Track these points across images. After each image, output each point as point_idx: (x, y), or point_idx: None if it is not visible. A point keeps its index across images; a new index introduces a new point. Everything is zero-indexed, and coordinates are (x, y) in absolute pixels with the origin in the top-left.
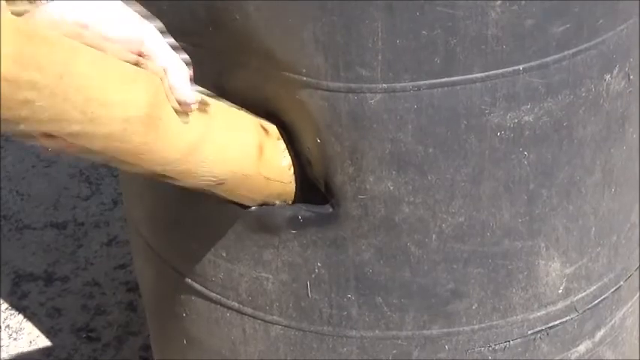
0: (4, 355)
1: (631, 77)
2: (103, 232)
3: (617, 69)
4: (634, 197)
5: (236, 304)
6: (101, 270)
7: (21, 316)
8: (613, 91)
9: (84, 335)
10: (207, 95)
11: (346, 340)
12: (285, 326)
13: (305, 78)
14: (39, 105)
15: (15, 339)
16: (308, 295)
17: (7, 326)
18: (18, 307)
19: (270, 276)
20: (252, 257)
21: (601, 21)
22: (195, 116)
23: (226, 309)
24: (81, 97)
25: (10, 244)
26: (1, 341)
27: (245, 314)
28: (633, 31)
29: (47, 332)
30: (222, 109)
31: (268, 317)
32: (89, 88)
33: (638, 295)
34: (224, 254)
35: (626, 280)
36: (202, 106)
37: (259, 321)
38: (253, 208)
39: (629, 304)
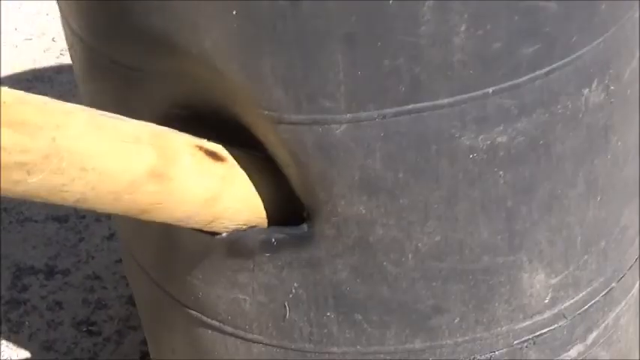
0: (5, 348)
1: (612, 88)
2: (105, 225)
3: (595, 82)
4: (623, 201)
5: (217, 323)
6: (102, 263)
7: (21, 310)
8: (592, 104)
9: (84, 329)
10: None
11: (328, 356)
12: (266, 344)
13: (266, 112)
14: (32, 182)
15: (15, 332)
16: (286, 315)
17: (8, 319)
18: (18, 300)
19: (248, 297)
20: (227, 280)
21: (575, 38)
22: (211, 170)
23: (207, 327)
24: (76, 167)
25: (11, 237)
26: (2, 334)
27: (226, 333)
28: (612, 42)
29: (48, 326)
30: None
31: (249, 336)
32: (84, 154)
33: (633, 292)
34: (200, 276)
35: (618, 281)
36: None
37: (240, 339)
38: (224, 234)
39: (623, 303)
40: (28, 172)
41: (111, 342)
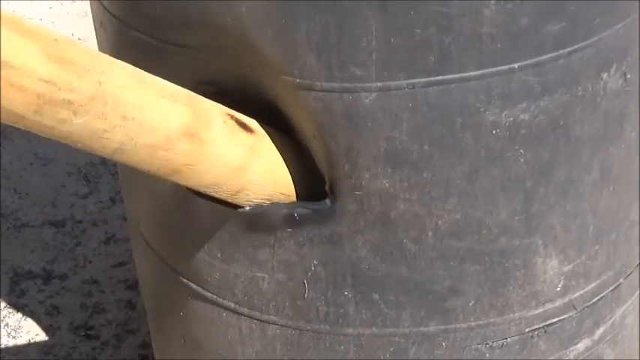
0: (4, 353)
1: (628, 76)
2: (102, 230)
3: (614, 67)
4: (633, 195)
5: (232, 305)
6: (99, 268)
7: (19, 315)
8: (610, 89)
9: (82, 333)
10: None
11: (343, 338)
12: (281, 326)
13: (298, 80)
14: (77, 124)
15: (14, 337)
16: (304, 293)
17: (6, 324)
18: (16, 305)
19: (266, 275)
20: (247, 257)
21: (598, 20)
22: (241, 140)
23: (222, 309)
24: (118, 114)
25: (8, 242)
26: (0, 339)
27: (241, 314)
28: (631, 29)
29: (46, 330)
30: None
31: (264, 317)
32: (127, 103)
33: (638, 292)
34: (219, 255)
35: (625, 277)
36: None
37: (256, 321)
38: (247, 208)
39: (629, 302)
40: (74, 112)
41: (109, 346)
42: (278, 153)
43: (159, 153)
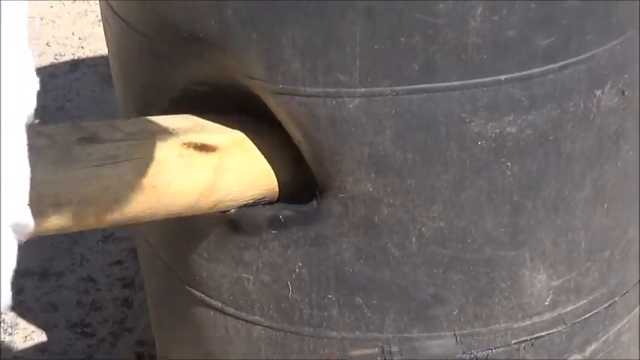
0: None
1: (626, 93)
2: (98, 229)
3: (609, 85)
4: (631, 214)
5: (219, 304)
6: (96, 266)
7: (16, 311)
8: (605, 107)
9: (79, 331)
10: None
11: (327, 341)
12: (266, 327)
13: (281, 85)
14: None
15: (10, 334)
16: (289, 295)
17: (3, 321)
18: (13, 302)
19: (251, 277)
20: (232, 258)
21: (591, 36)
22: (202, 163)
23: (211, 308)
24: (49, 205)
25: None
26: None
27: (228, 314)
28: (629, 46)
29: (42, 327)
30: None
31: (250, 317)
32: (57, 192)
33: (636, 311)
34: (206, 255)
35: (622, 295)
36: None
37: (241, 321)
38: (232, 210)
39: (626, 320)
40: None
41: (105, 343)
42: (257, 154)
43: (108, 215)
